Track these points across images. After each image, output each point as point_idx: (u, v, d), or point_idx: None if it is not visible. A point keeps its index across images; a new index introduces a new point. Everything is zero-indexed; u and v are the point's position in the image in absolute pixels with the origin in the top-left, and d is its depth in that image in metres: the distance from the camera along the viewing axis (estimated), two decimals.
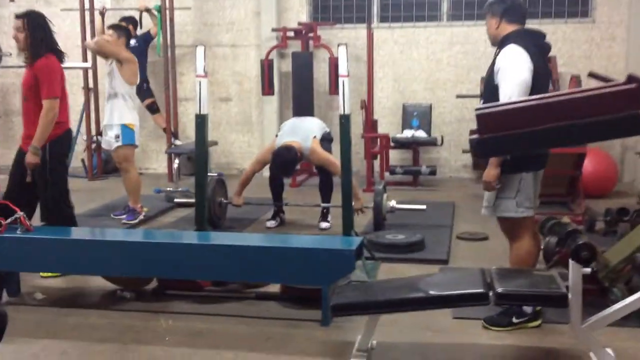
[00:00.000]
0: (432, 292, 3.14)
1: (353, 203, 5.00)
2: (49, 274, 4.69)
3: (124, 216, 6.35)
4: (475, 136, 2.86)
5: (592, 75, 3.44)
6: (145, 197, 7.43)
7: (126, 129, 6.21)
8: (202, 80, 4.95)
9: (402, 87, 8.80)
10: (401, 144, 8.19)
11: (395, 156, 8.57)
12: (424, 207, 5.90)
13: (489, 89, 3.66)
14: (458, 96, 8.21)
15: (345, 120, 4.83)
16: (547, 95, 2.99)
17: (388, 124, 8.77)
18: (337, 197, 5.89)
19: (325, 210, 6.06)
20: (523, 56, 3.53)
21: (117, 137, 6.19)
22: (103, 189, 8.27)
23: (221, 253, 3.82)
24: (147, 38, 8.86)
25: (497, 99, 3.56)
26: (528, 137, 2.72)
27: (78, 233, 4.47)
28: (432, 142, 8.10)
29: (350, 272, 3.83)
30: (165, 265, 3.89)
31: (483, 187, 3.71)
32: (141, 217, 6.35)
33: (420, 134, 8.13)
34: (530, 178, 3.67)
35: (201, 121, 5.00)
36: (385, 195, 5.81)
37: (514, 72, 3.50)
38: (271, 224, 6.10)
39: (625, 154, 8.25)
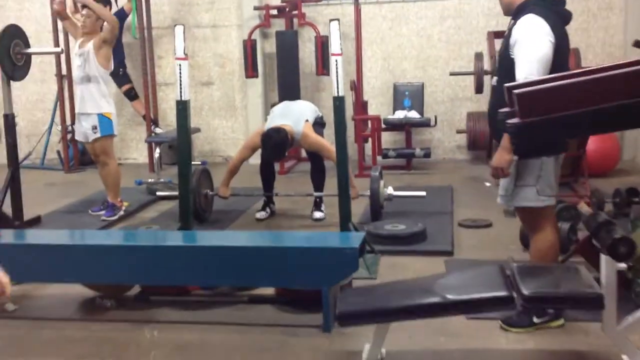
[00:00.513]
0: (449, 297, 2.78)
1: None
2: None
3: (102, 212, 5.93)
4: (515, 120, 2.45)
5: (638, 44, 3.07)
6: (125, 189, 7.00)
7: (103, 119, 5.77)
8: (182, 62, 4.54)
9: (391, 66, 8.41)
10: (393, 126, 7.82)
11: (386, 138, 8.19)
12: (423, 193, 5.54)
13: (504, 64, 3.28)
14: (452, 74, 7.83)
15: (339, 102, 4.47)
16: (605, 66, 2.56)
17: (378, 105, 8.39)
18: (329, 184, 5.54)
19: (318, 200, 5.69)
20: (543, 27, 3.15)
21: (94, 128, 5.74)
22: (80, 182, 7.83)
23: (210, 255, 3.44)
24: (121, 15, 8.32)
25: (512, 74, 3.19)
26: (589, 119, 2.31)
27: (50, 237, 4.07)
28: (425, 123, 7.74)
29: (353, 273, 3.47)
30: (148, 271, 3.51)
31: (492, 173, 3.34)
32: (121, 212, 5.94)
33: (413, 114, 7.77)
34: (552, 163, 3.30)
35: (182, 107, 4.60)
36: (381, 182, 5.44)
37: (533, 46, 3.12)
38: (261, 215, 5.72)
39: (625, 131, 7.94)
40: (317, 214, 5.62)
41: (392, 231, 4.87)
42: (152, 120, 8.29)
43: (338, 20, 4.41)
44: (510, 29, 3.30)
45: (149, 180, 7.36)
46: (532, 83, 2.58)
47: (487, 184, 6.81)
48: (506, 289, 2.79)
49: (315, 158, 5.60)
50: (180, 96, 4.56)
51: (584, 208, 4.79)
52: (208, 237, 3.92)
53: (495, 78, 3.39)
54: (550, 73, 3.13)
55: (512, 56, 3.22)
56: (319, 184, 5.65)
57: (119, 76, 8.38)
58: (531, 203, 3.34)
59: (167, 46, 8.70)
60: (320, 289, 3.40)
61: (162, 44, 8.76)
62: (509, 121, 2.54)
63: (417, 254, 4.66)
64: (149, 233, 4.10)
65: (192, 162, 8.61)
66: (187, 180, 4.72)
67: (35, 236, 4.01)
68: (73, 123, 8.31)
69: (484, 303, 2.77)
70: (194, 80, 8.77)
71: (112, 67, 5.91)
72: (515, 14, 3.30)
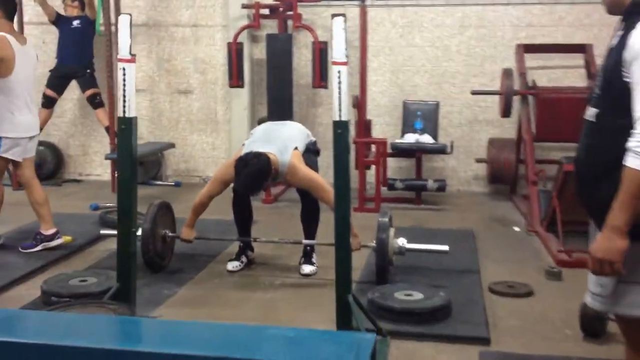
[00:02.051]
0: None
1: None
2: None
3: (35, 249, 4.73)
4: None
5: None
6: (75, 217, 5.81)
7: None
8: (127, 65, 3.31)
9: (401, 81, 7.19)
10: (401, 151, 6.59)
11: (392, 164, 6.97)
12: (446, 248, 4.30)
13: (612, 89, 2.06)
14: (473, 92, 6.64)
15: (342, 128, 3.22)
16: None
17: (384, 126, 7.18)
18: (324, 228, 4.34)
19: (309, 248, 4.45)
20: None
21: None
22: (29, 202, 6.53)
23: None
24: (87, 21, 7.17)
25: (625, 106, 1.98)
26: None
27: None
28: (440, 150, 6.51)
29: None
30: None
31: (593, 267, 2.09)
32: (51, 244, 4.73)
33: (426, 138, 6.54)
34: None
35: (127, 127, 3.35)
36: (391, 231, 4.21)
37: None
38: (234, 266, 4.46)
39: None
40: (307, 268, 4.37)
41: (406, 304, 3.62)
42: (116, 133, 7.01)
43: (344, 15, 3.18)
44: (622, 37, 2.06)
45: (107, 204, 6.13)
46: None
47: (516, 229, 5.60)
48: None
49: (307, 195, 4.35)
50: (124, 111, 3.32)
51: None
52: (139, 332, 2.63)
53: (593, 110, 2.16)
54: None
55: (627, 78, 2.00)
56: (310, 229, 4.42)
57: (85, 78, 7.19)
58: None
59: (140, 46, 7.50)
60: None
61: (135, 44, 7.44)
62: None
63: (441, 339, 3.40)
64: (36, 316, 2.71)
65: (164, 183, 7.52)
66: (129, 223, 3.46)
67: None
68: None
69: None
70: (170, 87, 7.60)
71: (12, 74, 4.59)
72: (631, 12, 2.07)
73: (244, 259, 4.51)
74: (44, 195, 4.88)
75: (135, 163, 3.44)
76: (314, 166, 4.32)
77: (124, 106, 3.32)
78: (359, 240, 4.12)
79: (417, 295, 3.70)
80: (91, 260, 4.69)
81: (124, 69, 3.29)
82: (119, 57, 3.30)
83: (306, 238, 4.43)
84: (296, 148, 4.21)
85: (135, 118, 3.36)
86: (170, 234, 4.46)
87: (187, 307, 3.87)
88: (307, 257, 4.43)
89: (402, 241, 4.20)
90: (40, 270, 4.43)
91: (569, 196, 4.78)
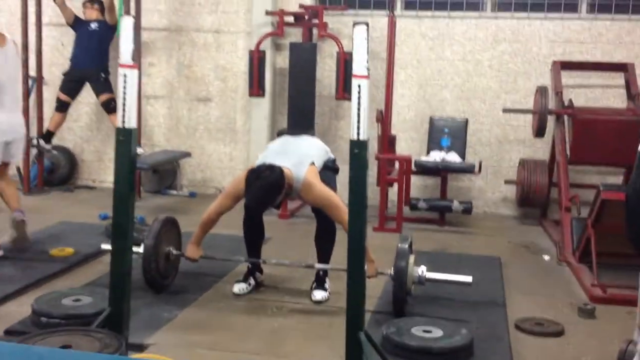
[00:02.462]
0: None
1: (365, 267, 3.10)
2: None
3: None
4: None
5: None
6: (84, 226, 5.60)
7: None
8: (129, 72, 3.03)
9: (428, 95, 6.88)
10: (426, 170, 6.27)
11: (416, 182, 6.65)
12: (469, 279, 3.96)
13: None
14: (505, 110, 6.31)
15: (359, 148, 2.91)
16: None
17: (409, 141, 6.86)
18: (339, 251, 4.03)
19: (322, 273, 4.15)
20: None
21: None
22: (39, 208, 6.34)
23: None
24: (105, 26, 6.96)
25: None
26: None
27: None
28: (467, 169, 6.18)
29: None
30: None
31: None
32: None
33: (452, 157, 6.22)
34: None
35: (125, 139, 3.08)
36: (411, 258, 3.89)
37: None
38: (240, 289, 4.16)
39: None
40: (318, 295, 4.06)
41: (424, 341, 3.29)
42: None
43: (367, 23, 2.89)
44: None
45: None
46: None
47: (546, 258, 5.25)
48: None
49: (322, 213, 4.05)
50: (123, 122, 3.05)
51: None
52: None
53: None
54: None
55: None
56: (324, 251, 4.12)
57: (99, 83, 6.98)
58: None
59: (161, 52, 7.29)
60: None
61: (155, 50, 7.33)
62: None
63: None
64: (6, 349, 2.42)
65: (178, 194, 7.28)
66: (124, 242, 3.17)
67: None
68: (39, 135, 7.03)
69: None
70: (189, 94, 7.37)
71: None
72: None
73: (251, 281, 4.22)
74: (13, 193, 4.90)
75: (133, 177, 3.17)
76: (331, 183, 4.02)
77: (124, 116, 3.05)
78: (375, 267, 3.83)
79: (437, 332, 3.38)
80: (91, 276, 4.41)
81: (125, 75, 3.02)
82: (119, 62, 3.04)
83: (320, 260, 4.13)
84: (313, 163, 3.91)
85: (135, 130, 3.09)
86: (174, 252, 4.18)
87: (187, 333, 3.58)
88: (319, 282, 4.13)
89: (422, 270, 3.88)
90: (36, 285, 4.17)
91: (605, 225, 4.45)
